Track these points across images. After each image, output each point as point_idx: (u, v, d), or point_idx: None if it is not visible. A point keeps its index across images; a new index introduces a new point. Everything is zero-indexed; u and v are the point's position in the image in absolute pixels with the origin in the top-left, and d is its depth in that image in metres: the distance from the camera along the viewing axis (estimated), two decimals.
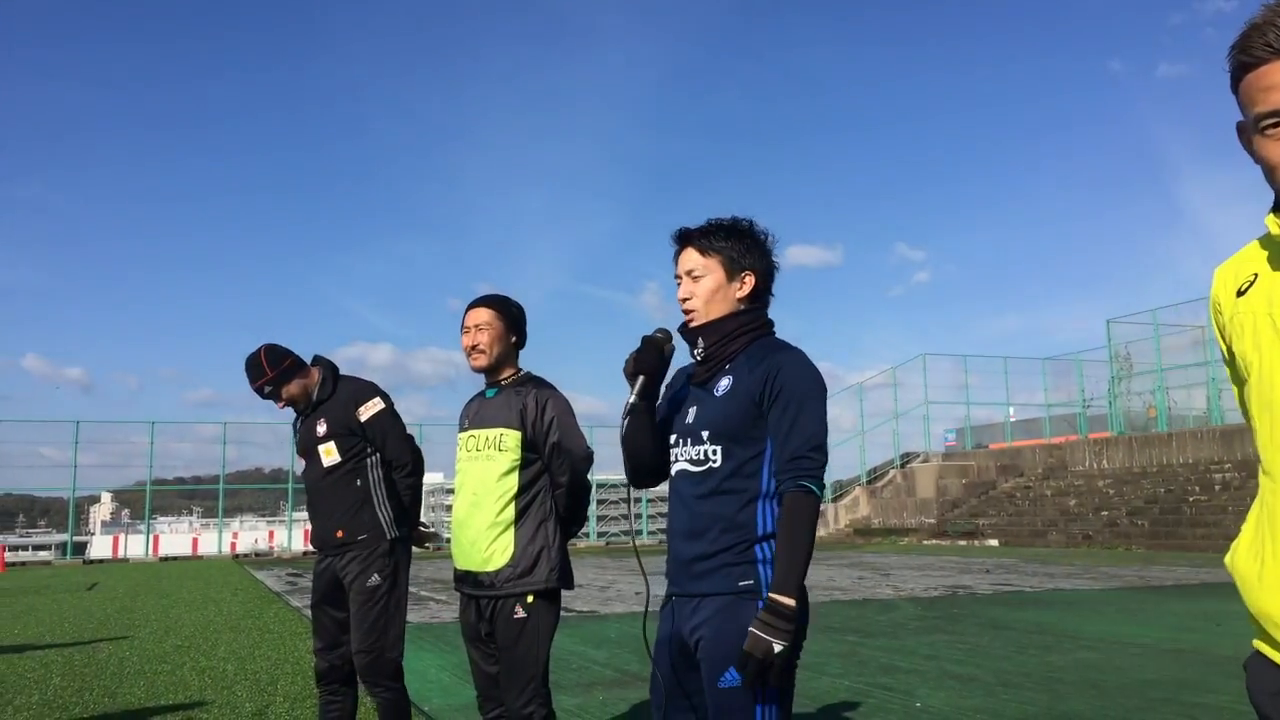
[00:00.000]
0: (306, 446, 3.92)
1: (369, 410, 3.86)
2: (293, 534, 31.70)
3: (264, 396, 3.87)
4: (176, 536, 40.86)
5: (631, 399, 2.32)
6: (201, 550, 32.15)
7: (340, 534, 3.77)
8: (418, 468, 3.95)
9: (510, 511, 3.15)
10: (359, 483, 3.82)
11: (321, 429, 3.87)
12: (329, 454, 3.84)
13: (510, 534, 3.13)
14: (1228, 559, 1.48)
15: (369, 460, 3.85)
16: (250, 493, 60.97)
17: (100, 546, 37.66)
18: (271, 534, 35.14)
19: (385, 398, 3.97)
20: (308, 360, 4.00)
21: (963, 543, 24.75)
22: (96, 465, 33.33)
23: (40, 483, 34.71)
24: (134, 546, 31.69)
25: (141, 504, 33.45)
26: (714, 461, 2.20)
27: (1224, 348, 1.51)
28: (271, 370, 3.85)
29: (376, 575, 3.70)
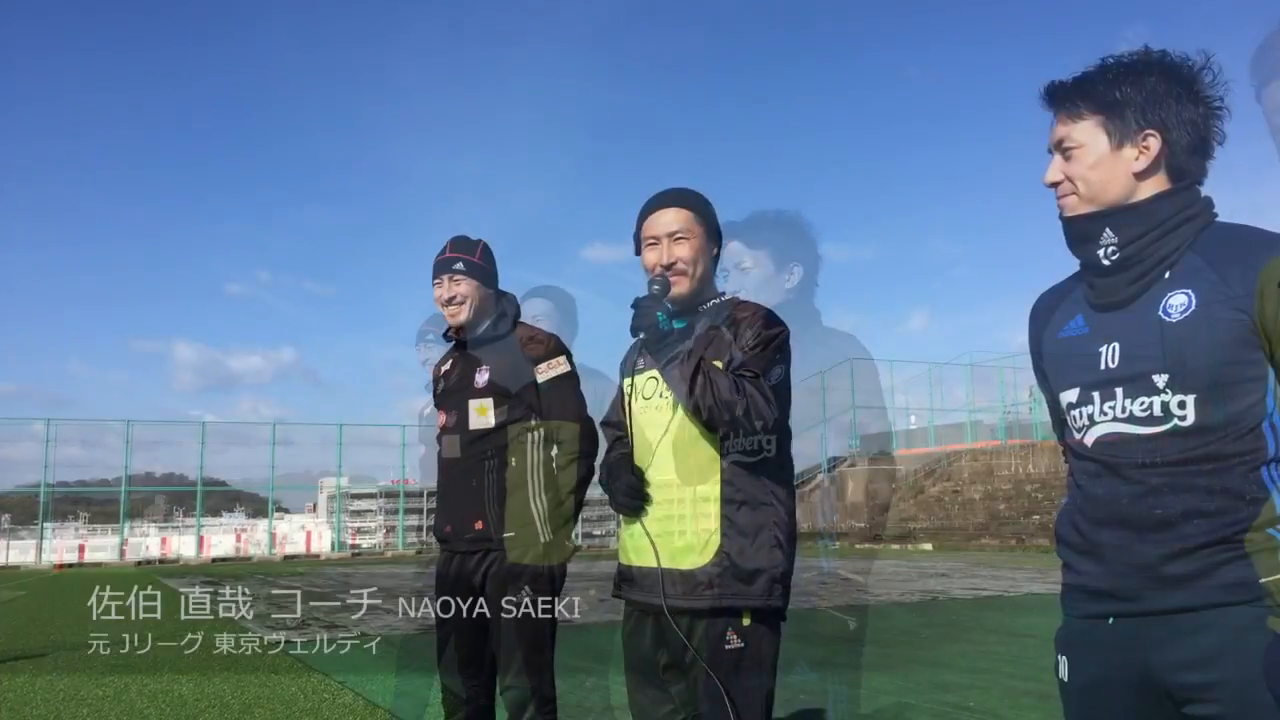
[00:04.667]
0: (454, 396, 3.04)
1: (552, 370, 2.97)
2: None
3: (450, 271, 3.02)
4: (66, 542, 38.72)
5: None
6: (91, 557, 30.44)
7: (479, 525, 2.93)
8: (590, 455, 2.98)
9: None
10: (514, 461, 2.94)
11: (482, 378, 2.98)
12: (482, 413, 2.95)
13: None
14: None
15: (532, 435, 2.96)
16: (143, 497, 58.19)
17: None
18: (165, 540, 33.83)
19: (571, 358, 3.06)
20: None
21: (895, 546, 24.76)
22: None
23: None
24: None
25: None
26: (1180, 417, 1.51)
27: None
28: (475, 255, 3.06)
29: (528, 587, 2.85)
